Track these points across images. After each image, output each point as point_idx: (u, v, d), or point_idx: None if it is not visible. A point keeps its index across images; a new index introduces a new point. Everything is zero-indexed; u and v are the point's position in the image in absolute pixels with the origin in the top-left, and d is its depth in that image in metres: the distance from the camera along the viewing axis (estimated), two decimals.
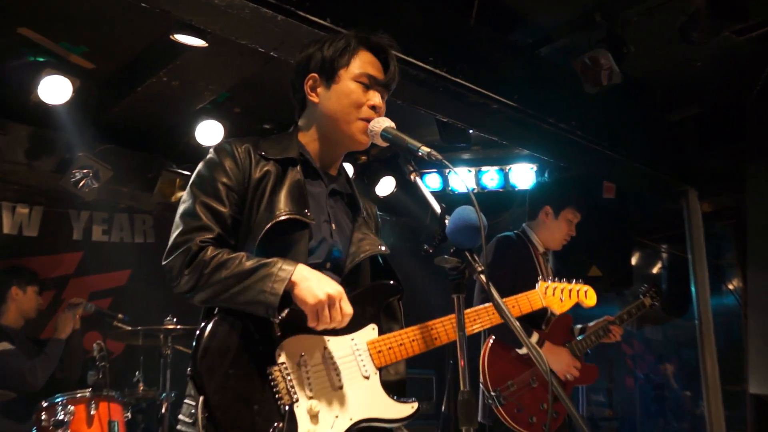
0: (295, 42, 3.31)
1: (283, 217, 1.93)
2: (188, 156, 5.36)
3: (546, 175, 5.93)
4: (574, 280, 2.69)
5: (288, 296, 1.86)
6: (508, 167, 6.15)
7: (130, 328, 4.29)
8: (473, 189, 6.29)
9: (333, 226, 2.08)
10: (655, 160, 5.01)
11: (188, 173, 5.35)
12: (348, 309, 1.91)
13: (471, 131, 5.00)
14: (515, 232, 4.14)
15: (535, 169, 6.06)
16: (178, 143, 5.30)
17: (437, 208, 1.90)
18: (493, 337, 3.84)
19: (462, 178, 1.98)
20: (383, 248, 2.14)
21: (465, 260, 1.81)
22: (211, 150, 2.06)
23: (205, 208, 1.94)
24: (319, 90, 2.12)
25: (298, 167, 2.06)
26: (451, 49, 3.77)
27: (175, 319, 4.25)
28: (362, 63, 2.09)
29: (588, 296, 2.71)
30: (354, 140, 2.11)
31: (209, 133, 5.13)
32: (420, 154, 1.93)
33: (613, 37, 3.98)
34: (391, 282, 2.12)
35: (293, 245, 1.95)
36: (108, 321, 4.44)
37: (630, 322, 4.18)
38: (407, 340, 2.05)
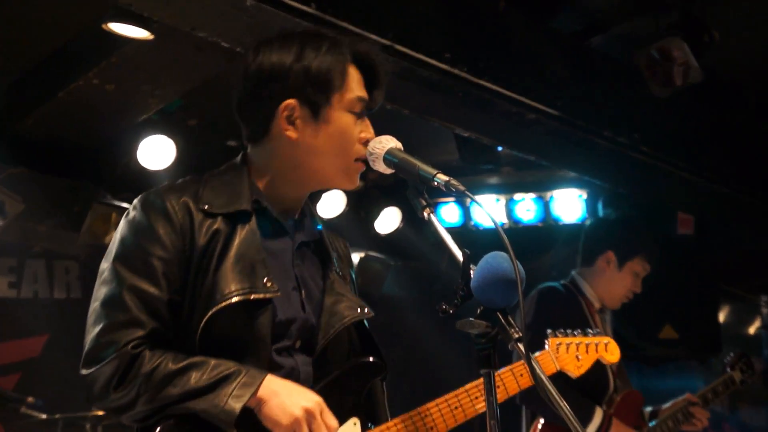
0: (267, 35, 3.34)
1: (230, 301, 1.92)
2: (128, 182, 5.36)
3: (600, 205, 5.94)
4: (590, 331, 2.70)
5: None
6: (549, 195, 6.17)
7: (45, 417, 4.23)
8: (503, 224, 6.33)
9: (303, 293, 2.08)
10: (747, 184, 5.03)
11: (127, 205, 5.34)
12: (332, 422, 1.94)
13: (500, 149, 5.03)
14: (562, 282, 4.14)
15: (584, 197, 6.10)
16: (114, 166, 5.31)
17: (459, 254, 1.88)
18: (542, 420, 3.82)
19: (489, 212, 1.99)
20: (366, 311, 2.14)
21: (497, 324, 1.79)
22: (137, 205, 2.03)
23: (135, 294, 1.93)
24: (298, 122, 2.08)
25: (253, 220, 2.04)
26: (474, 41, 3.80)
27: None
28: (352, 83, 2.09)
29: (609, 350, 2.71)
30: (344, 184, 2.13)
31: (156, 152, 5.14)
32: (435, 183, 1.93)
33: (690, 21, 3.98)
34: (371, 359, 2.13)
35: (252, 332, 1.95)
36: (12, 407, 4.33)
37: (718, 402, 4.16)
38: None
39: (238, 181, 2.10)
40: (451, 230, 6.30)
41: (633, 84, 4.31)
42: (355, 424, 2.08)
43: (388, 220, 6.19)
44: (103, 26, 3.93)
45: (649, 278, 4.18)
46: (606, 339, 2.76)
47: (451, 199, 6.36)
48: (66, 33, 4.40)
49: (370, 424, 2.11)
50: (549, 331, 2.59)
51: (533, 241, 6.31)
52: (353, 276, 2.31)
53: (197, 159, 5.43)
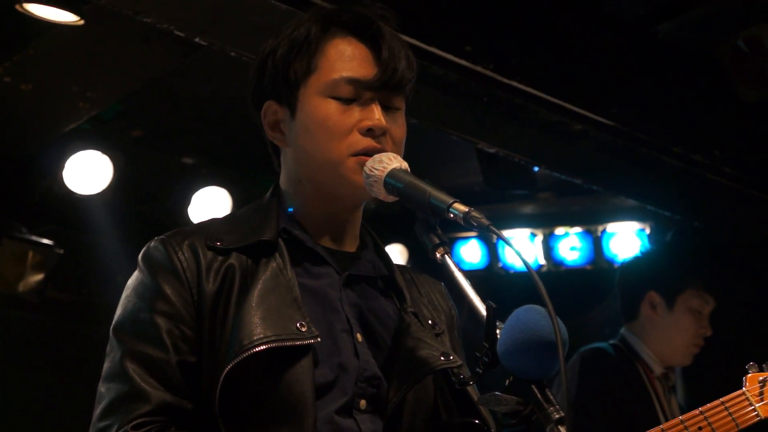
0: (237, 20, 3.36)
1: (252, 351, 1.96)
2: (49, 212, 5.37)
3: (667, 239, 5.97)
4: None
5: None
6: (600, 229, 6.19)
7: None
8: (540, 266, 6.34)
9: (359, 336, 2.11)
10: None
11: (48, 241, 5.38)
12: None
13: (536, 169, 5.05)
14: (611, 342, 4.13)
15: (647, 231, 6.11)
16: (31, 190, 5.32)
17: (481, 308, 1.89)
18: None
19: (519, 251, 1.99)
20: (451, 358, 2.12)
21: (531, 400, 1.79)
22: (138, 261, 2.11)
23: (137, 361, 2.00)
24: (283, 126, 2.18)
25: (280, 252, 2.11)
26: (503, 31, 3.83)
27: None
28: (336, 61, 2.12)
29: None
30: (353, 192, 2.13)
31: (87, 171, 5.16)
32: (452, 215, 1.92)
33: None
34: (474, 420, 2.10)
35: (287, 390, 1.97)
36: None
37: None
38: None
39: (263, 212, 2.19)
40: (472, 274, 6.28)
41: (713, 85, 4.33)
42: None
43: (392, 258, 6.20)
44: (17, 7, 3.91)
45: (742, 329, 4.18)
46: None
47: (473, 234, 6.36)
48: None
49: None
50: (751, 363, 2.49)
51: (580, 289, 6.29)
52: (448, 324, 2.31)
53: (142, 180, 5.47)
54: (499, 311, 1.87)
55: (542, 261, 6.32)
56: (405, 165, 2.09)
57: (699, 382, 5.22)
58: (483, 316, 1.86)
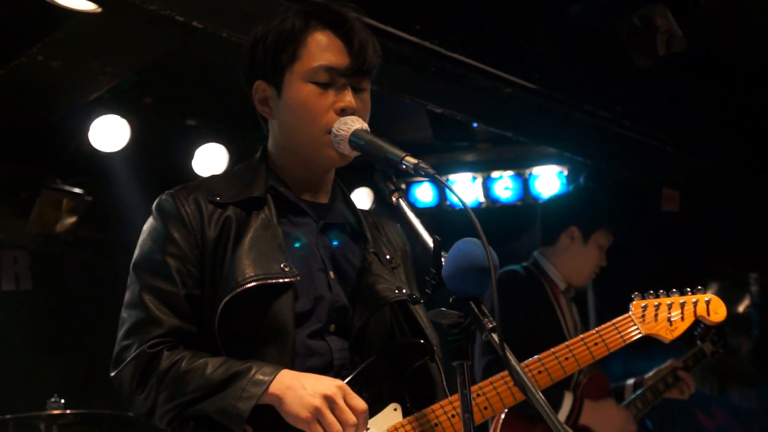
0: (228, 7, 3.32)
1: (244, 287, 2.00)
2: (78, 166, 5.33)
3: (581, 181, 6.00)
4: (689, 290, 2.50)
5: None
6: (528, 172, 6.19)
7: None
8: (480, 203, 6.37)
9: (331, 273, 2.13)
10: (734, 158, 5.09)
11: (78, 191, 5.33)
12: (360, 404, 1.96)
13: (475, 125, 5.05)
14: (524, 264, 4.16)
15: (565, 173, 6.13)
16: (63, 149, 5.27)
17: (429, 242, 1.90)
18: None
19: (458, 195, 2.02)
20: (404, 291, 2.15)
21: (470, 314, 1.82)
22: (152, 210, 2.14)
23: (152, 293, 2.04)
24: (271, 103, 2.18)
25: (268, 206, 2.13)
26: (446, 13, 3.81)
27: (62, 400, 4.20)
28: (315, 51, 2.11)
29: (713, 309, 2.49)
30: (327, 162, 2.15)
31: (108, 132, 5.10)
32: (404, 166, 1.94)
33: None
34: (410, 341, 2.16)
35: (272, 318, 2.01)
36: None
37: (704, 382, 4.22)
38: (445, 416, 2.08)
39: (253, 171, 2.20)
40: (425, 211, 6.27)
41: (614, 55, 4.34)
42: (395, 409, 2.10)
43: (359, 201, 6.21)
44: None
45: (634, 258, 4.23)
46: (707, 296, 2.54)
47: (425, 179, 6.36)
48: (5, 6, 4.34)
49: (413, 410, 2.12)
50: (635, 293, 2.52)
51: (512, 221, 6.31)
52: (403, 260, 2.32)
53: (154, 139, 5.42)
54: (443, 243, 1.89)
55: (482, 199, 6.32)
56: (366, 126, 2.11)
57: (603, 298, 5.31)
58: (431, 247, 1.89)
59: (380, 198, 6.11)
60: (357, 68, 2.13)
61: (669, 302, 2.55)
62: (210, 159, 5.53)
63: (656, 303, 2.53)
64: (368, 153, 2.04)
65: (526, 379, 1.78)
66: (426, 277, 1.89)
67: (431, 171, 1.93)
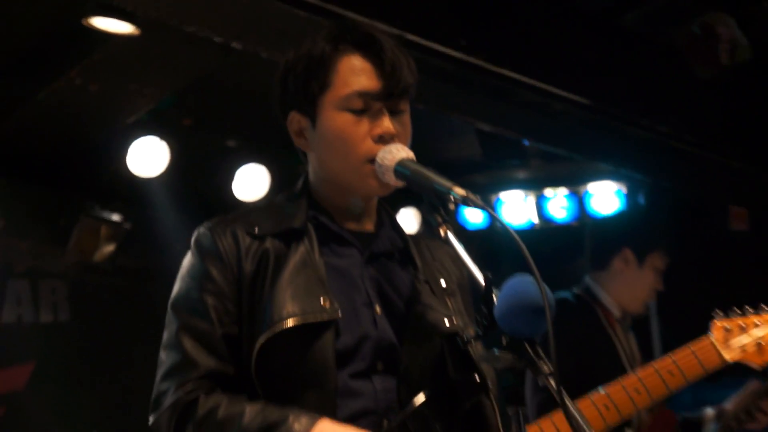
0: (265, 27, 3.33)
1: (282, 326, 1.98)
2: (117, 192, 5.38)
3: (641, 199, 5.91)
4: None
5: None
6: (583, 189, 6.14)
7: None
8: (533, 224, 6.32)
9: (377, 308, 2.10)
10: None
11: (118, 217, 5.37)
12: None
13: (526, 142, 5.00)
14: (574, 291, 4.09)
15: (624, 191, 6.06)
16: (102, 173, 5.34)
17: (480, 279, 1.86)
18: None
19: (506, 225, 1.97)
20: (455, 322, 2.12)
21: (524, 356, 1.77)
22: (192, 244, 2.14)
23: (189, 333, 2.05)
24: (306, 133, 2.16)
25: (309, 237, 2.12)
26: (491, 26, 3.79)
27: None
28: (346, 77, 2.09)
29: None
30: (369, 192, 2.14)
31: (148, 156, 5.16)
32: (453, 198, 1.91)
33: None
34: (474, 377, 2.10)
35: (312, 359, 1.99)
36: None
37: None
38: None
39: (293, 202, 2.19)
40: (476, 233, 6.19)
41: (672, 65, 4.27)
42: None
43: (405, 224, 6.19)
44: (84, 21, 3.96)
45: (696, 282, 4.13)
46: None
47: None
48: (44, 29, 4.41)
49: None
50: (716, 311, 2.37)
51: (568, 242, 6.24)
52: (461, 288, 2.27)
53: (193, 162, 5.46)
54: (495, 267, 1.85)
55: (534, 219, 6.27)
56: (411, 155, 2.08)
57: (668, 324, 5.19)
58: (482, 285, 1.85)
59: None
60: (391, 90, 2.09)
61: (757, 321, 2.38)
62: (251, 180, 5.58)
63: (742, 323, 2.37)
64: (414, 184, 2.01)
65: (585, 426, 1.72)
66: (477, 317, 1.84)
67: (480, 203, 1.90)
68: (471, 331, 2.14)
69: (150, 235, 5.52)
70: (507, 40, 3.84)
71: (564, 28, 4.12)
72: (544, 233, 6.27)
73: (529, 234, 6.31)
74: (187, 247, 2.16)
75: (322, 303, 2.01)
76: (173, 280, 2.15)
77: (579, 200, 6.15)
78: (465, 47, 3.65)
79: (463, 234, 6.27)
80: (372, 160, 2.07)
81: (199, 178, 5.56)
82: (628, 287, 4.01)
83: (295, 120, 2.15)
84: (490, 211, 1.90)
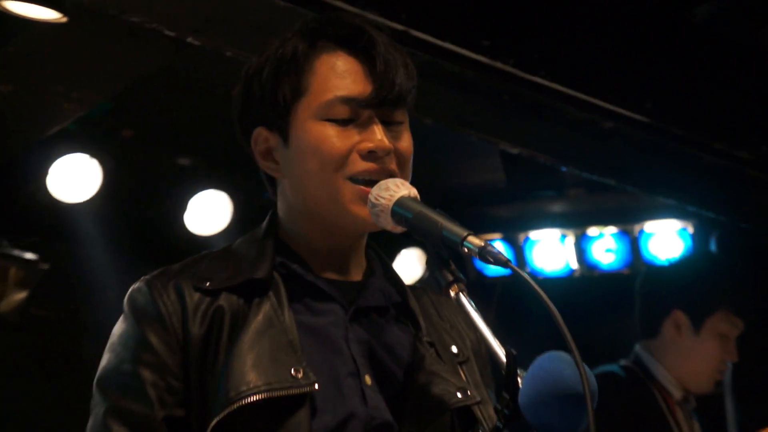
0: (232, 19, 3.36)
1: (243, 402, 1.97)
2: (34, 222, 5.39)
3: (713, 242, 5.93)
4: None
5: None
6: (638, 228, 6.17)
7: None
8: (571, 271, 6.34)
9: (367, 378, 2.11)
10: None
11: (32, 256, 5.37)
12: None
13: (564, 168, 5.03)
14: (623, 363, 4.11)
15: (690, 231, 6.10)
16: (14, 199, 5.34)
17: (501, 355, 1.87)
18: None
19: (540, 291, 1.97)
20: (469, 394, 2.13)
21: None
22: (124, 305, 2.14)
23: (120, 418, 2.03)
24: (276, 154, 2.18)
25: (276, 290, 2.12)
26: (522, 23, 3.83)
27: None
28: (327, 79, 2.12)
29: None
30: (357, 224, 2.13)
31: (74, 177, 5.18)
32: (466, 250, 1.91)
33: None
34: None
35: None
36: None
37: None
38: None
39: (257, 246, 2.19)
40: (496, 280, 6.22)
41: (756, 74, 4.30)
42: None
43: (407, 267, 6.24)
44: None
45: None
46: None
47: (498, 235, 6.35)
48: None
49: None
50: None
51: (616, 295, 6.25)
52: (479, 354, 2.29)
53: (134, 186, 5.48)
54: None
55: (574, 265, 6.31)
56: (414, 192, 2.08)
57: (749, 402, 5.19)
58: (503, 363, 1.85)
59: None
60: (385, 95, 2.11)
61: None
62: (209, 210, 5.59)
63: None
64: (418, 229, 2.02)
65: None
66: (497, 405, 1.86)
67: (503, 258, 1.91)
68: (491, 405, 2.14)
69: (74, 279, 5.53)
70: (542, 40, 3.86)
71: (618, 25, 4.14)
72: (586, 284, 6.31)
73: (566, 285, 6.33)
74: (123, 294, 2.15)
75: (293, 373, 2.01)
76: (103, 337, 2.14)
77: (632, 242, 6.18)
78: (488, 49, 3.66)
79: (480, 284, 6.28)
80: (356, 179, 2.09)
81: (140, 206, 5.58)
82: (685, 359, 4.02)
83: (262, 138, 2.17)
84: (516, 269, 1.92)
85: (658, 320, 4.06)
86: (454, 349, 2.24)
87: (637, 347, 4.11)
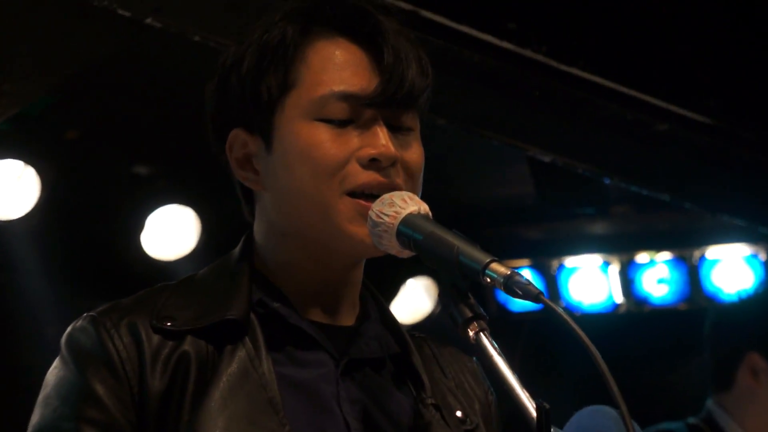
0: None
1: None
2: None
3: None
4: None
5: None
6: (698, 255, 6.23)
7: None
8: (616, 305, 6.36)
9: None
10: None
11: None
12: None
13: (608, 181, 5.05)
14: (690, 421, 4.12)
15: (762, 258, 6.15)
16: None
17: (530, 409, 1.88)
18: None
19: (576, 327, 1.97)
20: None
21: None
22: (62, 346, 2.12)
23: None
24: (256, 162, 2.18)
25: (253, 334, 2.12)
26: (556, 4, 3.86)
27: None
28: (322, 71, 2.13)
29: None
30: (354, 248, 2.13)
31: (6, 189, 5.20)
32: (488, 280, 1.92)
33: None
34: None
35: None
36: None
37: None
38: None
39: (229, 277, 2.19)
40: (524, 316, 6.27)
41: None
42: None
43: (414, 301, 6.28)
44: None
45: None
46: None
47: (526, 261, 6.38)
48: None
49: None
50: None
51: (672, 335, 6.31)
52: (490, 420, 2.32)
53: (80, 199, 5.50)
54: (554, 412, 1.87)
55: (619, 298, 6.37)
56: (425, 208, 2.07)
57: None
58: (533, 418, 1.86)
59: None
60: (392, 92, 2.11)
61: None
62: (171, 231, 5.60)
63: None
64: (429, 254, 2.01)
65: None
66: None
67: (534, 290, 1.89)
68: None
69: (5, 314, 5.55)
70: (580, 24, 3.88)
71: (674, 6, 4.14)
72: (634, 321, 6.37)
73: (610, 322, 6.37)
74: (64, 332, 2.14)
75: None
76: (38, 385, 2.13)
77: (690, 271, 6.26)
78: (515, 33, 3.68)
79: (504, 322, 6.27)
80: (354, 193, 2.09)
81: (87, 224, 5.59)
82: (765, 413, 4.04)
83: (239, 141, 2.16)
84: (549, 303, 1.92)
85: (731, 367, 4.07)
86: (459, 413, 2.25)
87: (709, 402, 4.12)
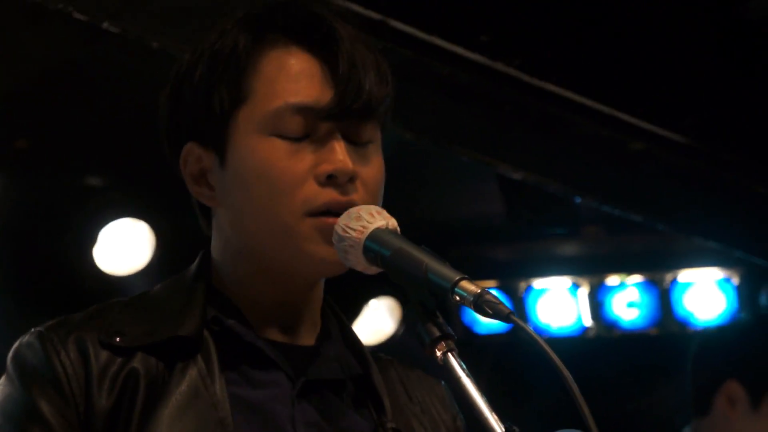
0: (159, 2, 3.39)
1: None
2: None
3: (763, 297, 5.97)
4: None
5: None
6: (669, 278, 6.25)
7: None
8: (585, 328, 6.37)
9: None
10: None
11: None
12: None
13: (579, 200, 5.06)
14: None
15: (735, 282, 6.15)
16: None
17: (498, 430, 1.89)
18: None
19: (538, 338, 1.98)
20: None
21: None
22: (8, 363, 2.12)
23: None
24: (210, 177, 2.17)
25: (207, 352, 2.12)
26: (529, 15, 3.85)
27: None
28: (277, 83, 2.13)
29: None
30: (312, 268, 2.14)
31: None
32: (457, 298, 1.92)
33: None
34: None
35: None
36: None
37: None
38: None
39: (183, 293, 2.19)
40: (492, 339, 6.31)
41: None
42: None
43: (376, 321, 6.30)
44: None
45: None
46: None
47: (492, 282, 6.38)
48: None
49: None
50: None
51: (642, 361, 6.35)
52: None
53: (29, 212, 5.47)
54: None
55: (588, 321, 6.39)
56: (393, 223, 2.06)
57: None
58: None
59: (413, 317, 6.11)
60: (349, 103, 2.09)
61: None
62: (124, 244, 5.59)
63: None
64: (397, 271, 2.00)
65: None
66: None
67: (505, 309, 1.90)
68: None
69: None
70: (554, 37, 3.89)
71: (650, 22, 4.15)
72: (603, 346, 6.40)
73: (578, 346, 6.41)
74: (8, 349, 2.13)
75: None
76: None
77: (661, 294, 6.27)
78: (487, 46, 3.69)
79: (469, 344, 6.27)
80: (314, 213, 2.08)
81: (36, 237, 5.58)
82: None
83: (194, 156, 2.16)
84: (520, 323, 1.92)
85: (709, 393, 4.09)
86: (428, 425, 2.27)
87: (687, 429, 4.15)
